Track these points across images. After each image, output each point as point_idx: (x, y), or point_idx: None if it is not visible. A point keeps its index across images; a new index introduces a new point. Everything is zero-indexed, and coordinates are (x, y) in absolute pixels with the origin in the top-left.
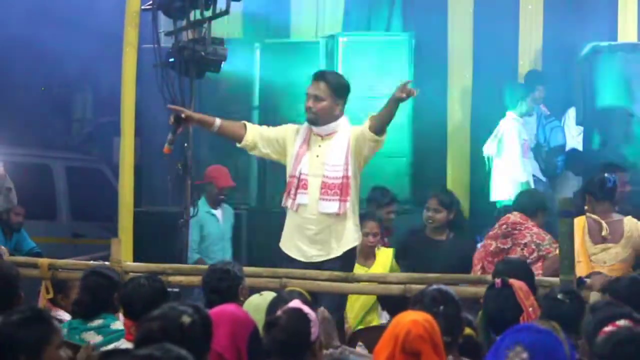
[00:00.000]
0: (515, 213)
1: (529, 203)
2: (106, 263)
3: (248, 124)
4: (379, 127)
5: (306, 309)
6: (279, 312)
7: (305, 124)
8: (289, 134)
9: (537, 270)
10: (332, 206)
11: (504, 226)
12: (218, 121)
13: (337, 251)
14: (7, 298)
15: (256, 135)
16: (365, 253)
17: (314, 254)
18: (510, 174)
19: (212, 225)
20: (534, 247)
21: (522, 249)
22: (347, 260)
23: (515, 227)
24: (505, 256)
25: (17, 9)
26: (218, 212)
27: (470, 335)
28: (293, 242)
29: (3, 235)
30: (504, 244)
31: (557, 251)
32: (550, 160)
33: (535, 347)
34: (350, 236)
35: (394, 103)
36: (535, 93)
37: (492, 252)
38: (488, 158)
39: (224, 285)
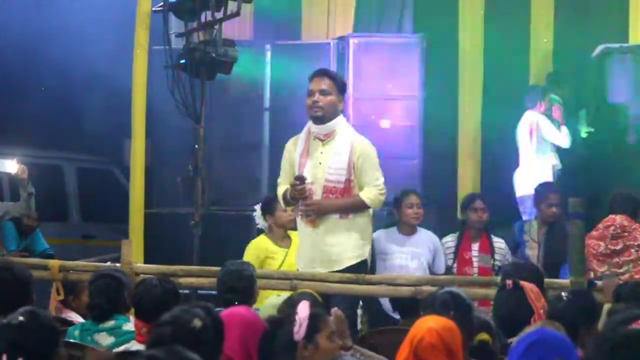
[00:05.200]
0: (621, 215)
1: (629, 204)
2: (117, 265)
3: (284, 186)
4: None
5: (301, 308)
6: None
7: (302, 133)
8: (289, 153)
9: None
10: None
11: (612, 228)
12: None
13: (347, 262)
14: (20, 300)
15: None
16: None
17: (321, 264)
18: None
19: None
20: None
21: (636, 251)
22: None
23: (625, 229)
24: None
25: (28, 10)
26: None
27: (486, 341)
28: (301, 253)
29: (18, 235)
30: (614, 245)
31: None
32: None
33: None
34: (358, 249)
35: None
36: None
37: (602, 253)
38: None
39: (242, 285)
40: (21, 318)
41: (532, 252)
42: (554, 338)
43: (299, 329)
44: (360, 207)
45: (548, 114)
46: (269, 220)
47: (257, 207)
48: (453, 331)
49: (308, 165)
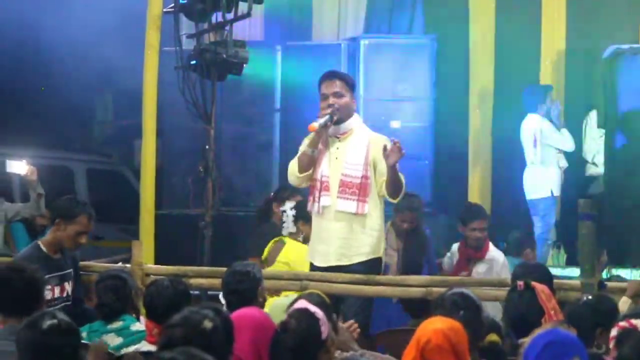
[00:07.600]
0: None
1: None
2: (127, 265)
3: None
4: (392, 193)
5: (312, 308)
6: (286, 317)
7: None
8: None
9: None
10: (350, 205)
11: None
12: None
13: (358, 257)
14: (31, 301)
15: None
16: None
17: (335, 257)
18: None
19: None
20: None
21: None
22: (370, 271)
23: None
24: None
25: (38, 11)
26: None
27: (496, 342)
28: (315, 248)
29: (29, 237)
30: None
31: None
32: None
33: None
34: (373, 246)
35: (391, 170)
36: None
37: None
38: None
39: (243, 287)
40: (48, 322)
41: (392, 261)
42: (568, 338)
43: (326, 328)
44: (401, 186)
45: (549, 117)
46: (302, 228)
47: (290, 206)
48: (459, 332)
49: (324, 159)
